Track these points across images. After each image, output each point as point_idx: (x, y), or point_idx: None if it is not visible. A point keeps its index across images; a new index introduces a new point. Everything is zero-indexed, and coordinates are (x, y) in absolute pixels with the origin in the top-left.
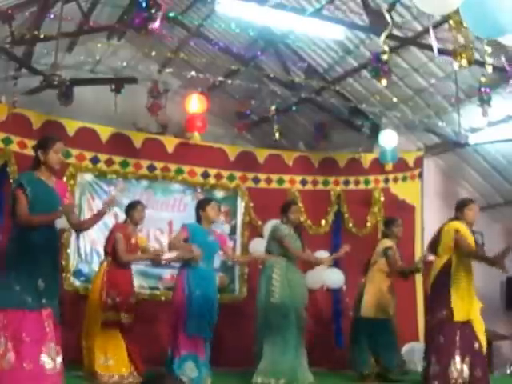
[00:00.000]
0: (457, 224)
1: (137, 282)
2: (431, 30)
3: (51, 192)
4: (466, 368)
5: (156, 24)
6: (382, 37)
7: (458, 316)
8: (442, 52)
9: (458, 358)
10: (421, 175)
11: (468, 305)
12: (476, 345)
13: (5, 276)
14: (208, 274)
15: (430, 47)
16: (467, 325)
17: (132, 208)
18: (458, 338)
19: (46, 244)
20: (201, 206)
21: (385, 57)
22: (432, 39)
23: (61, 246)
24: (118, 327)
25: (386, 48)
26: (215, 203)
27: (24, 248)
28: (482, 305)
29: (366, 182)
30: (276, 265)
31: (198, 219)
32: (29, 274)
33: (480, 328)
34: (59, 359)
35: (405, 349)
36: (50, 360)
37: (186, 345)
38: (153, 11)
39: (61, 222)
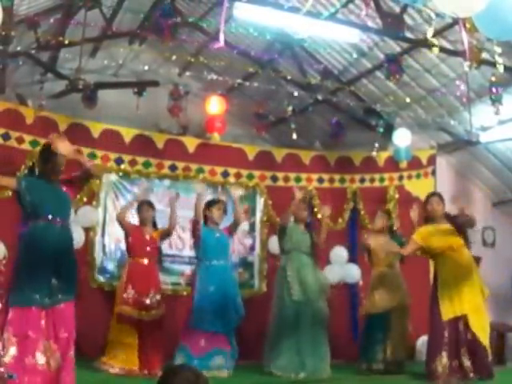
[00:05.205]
0: (416, 231)
1: (160, 278)
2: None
3: (58, 192)
4: (464, 359)
5: (221, 42)
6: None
7: (446, 315)
8: (453, 53)
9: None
10: (434, 173)
11: (457, 302)
12: (469, 336)
13: (17, 274)
14: (222, 269)
15: (441, 49)
16: (459, 320)
17: (137, 208)
18: (446, 335)
19: (57, 242)
20: (206, 207)
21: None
22: None
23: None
24: (134, 323)
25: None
26: (221, 204)
27: (31, 246)
28: (487, 295)
29: (381, 180)
30: (289, 262)
31: (205, 219)
32: (40, 272)
33: (477, 321)
34: (57, 356)
35: (419, 342)
36: (44, 358)
37: (185, 337)
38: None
39: (85, 221)
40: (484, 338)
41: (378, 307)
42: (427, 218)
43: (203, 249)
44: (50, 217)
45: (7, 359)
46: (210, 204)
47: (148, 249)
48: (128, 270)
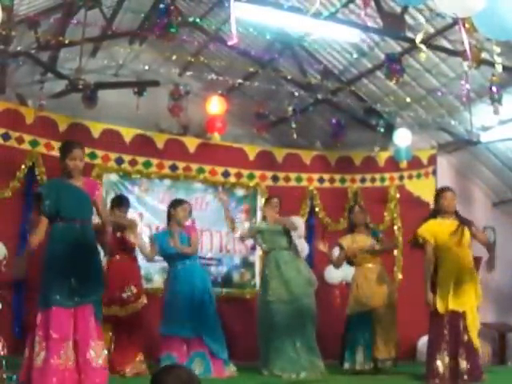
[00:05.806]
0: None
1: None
2: None
3: (77, 192)
4: (461, 360)
5: (235, 40)
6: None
7: (442, 308)
8: (453, 53)
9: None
10: (434, 172)
11: (456, 297)
12: (465, 337)
13: (42, 277)
14: (191, 270)
15: (441, 49)
16: (459, 317)
17: (111, 207)
18: (446, 332)
19: (76, 242)
20: (172, 206)
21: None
22: None
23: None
24: (109, 322)
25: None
26: (187, 206)
27: (54, 247)
28: (480, 300)
29: (382, 180)
30: (267, 262)
31: (168, 218)
32: (60, 273)
33: (472, 321)
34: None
35: (420, 342)
36: (65, 357)
37: (165, 345)
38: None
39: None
40: (476, 339)
41: (363, 305)
42: (437, 212)
43: (164, 255)
44: (68, 217)
45: (39, 363)
46: (174, 203)
47: (121, 245)
48: (107, 266)
